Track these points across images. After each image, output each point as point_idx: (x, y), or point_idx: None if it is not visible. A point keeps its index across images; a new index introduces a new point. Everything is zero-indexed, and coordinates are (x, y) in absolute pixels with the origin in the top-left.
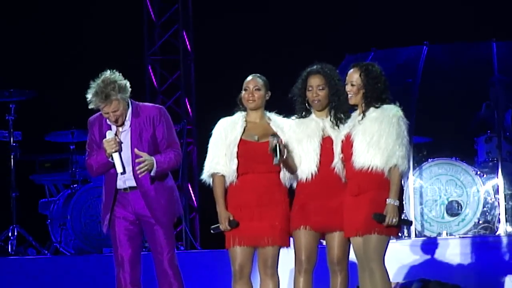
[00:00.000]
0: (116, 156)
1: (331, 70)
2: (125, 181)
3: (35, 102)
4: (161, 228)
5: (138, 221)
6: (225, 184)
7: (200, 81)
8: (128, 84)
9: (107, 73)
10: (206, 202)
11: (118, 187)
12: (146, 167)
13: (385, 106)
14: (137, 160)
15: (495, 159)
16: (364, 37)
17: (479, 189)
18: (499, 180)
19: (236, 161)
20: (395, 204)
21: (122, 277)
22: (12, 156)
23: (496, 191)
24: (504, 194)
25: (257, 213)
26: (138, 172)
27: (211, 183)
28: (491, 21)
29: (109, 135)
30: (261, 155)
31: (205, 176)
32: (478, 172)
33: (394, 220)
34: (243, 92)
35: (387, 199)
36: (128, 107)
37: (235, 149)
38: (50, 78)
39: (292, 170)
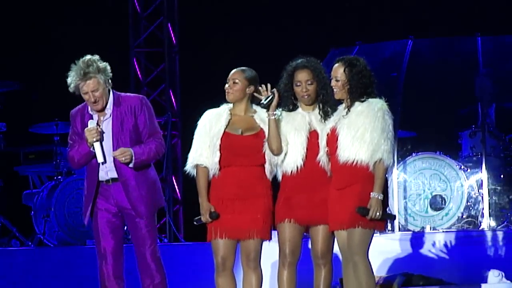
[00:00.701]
0: (97, 145)
1: (317, 64)
2: (107, 172)
3: (19, 93)
4: (143, 220)
5: (121, 213)
6: (208, 176)
7: (184, 73)
8: (108, 67)
9: (88, 56)
10: (190, 195)
11: (100, 179)
12: (123, 159)
13: (370, 100)
14: (113, 153)
15: (479, 153)
16: (349, 31)
17: (463, 183)
18: (483, 174)
19: (218, 153)
20: (379, 198)
21: (105, 269)
22: None
23: (480, 186)
24: (488, 189)
25: (239, 206)
26: (115, 157)
27: (195, 175)
28: (476, 15)
29: (91, 124)
30: (244, 148)
31: (188, 167)
32: (462, 167)
33: (378, 214)
34: (226, 84)
35: (371, 193)
36: (109, 95)
37: (218, 142)
38: (34, 70)
39: (274, 135)
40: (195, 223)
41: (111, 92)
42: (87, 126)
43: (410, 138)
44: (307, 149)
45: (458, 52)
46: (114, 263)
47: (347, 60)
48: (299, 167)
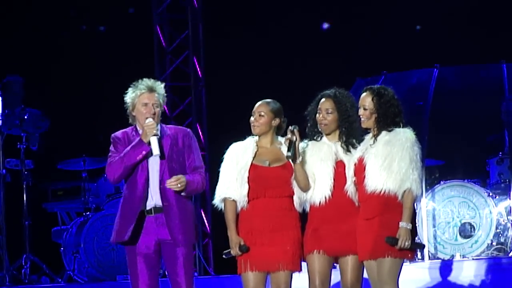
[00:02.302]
0: (154, 139)
1: (344, 96)
2: (151, 200)
3: (47, 130)
4: (181, 249)
5: (159, 247)
6: (236, 209)
7: (211, 106)
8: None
9: None
10: (219, 228)
11: (144, 208)
12: (178, 185)
13: (397, 129)
14: (168, 182)
15: (507, 180)
16: (375, 61)
17: (492, 210)
18: (511, 201)
19: (247, 185)
20: (408, 227)
21: None
22: (24, 185)
23: (509, 213)
24: None
25: (269, 238)
26: (168, 186)
27: (223, 208)
28: (501, 42)
29: (149, 120)
30: (272, 179)
31: (216, 201)
32: (491, 194)
33: (406, 243)
34: (251, 117)
35: (400, 222)
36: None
37: (246, 174)
38: (62, 107)
39: (301, 178)
40: (224, 256)
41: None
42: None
43: (437, 167)
44: (334, 179)
45: (484, 79)
46: None
47: (375, 89)
48: (327, 198)
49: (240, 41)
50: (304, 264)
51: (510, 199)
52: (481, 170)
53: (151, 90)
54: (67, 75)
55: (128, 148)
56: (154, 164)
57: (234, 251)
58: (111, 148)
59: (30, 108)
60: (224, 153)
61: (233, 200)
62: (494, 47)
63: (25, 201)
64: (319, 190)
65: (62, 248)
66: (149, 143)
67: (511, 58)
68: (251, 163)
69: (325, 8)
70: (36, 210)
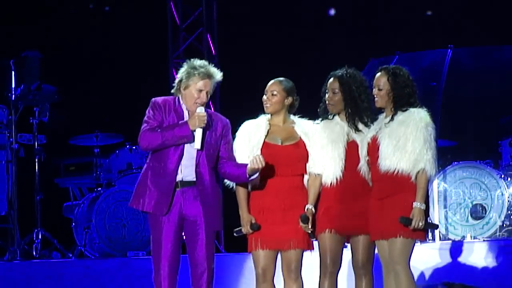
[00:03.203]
0: (199, 131)
1: (351, 76)
2: (179, 174)
3: (59, 105)
4: (207, 229)
5: (182, 222)
6: (248, 187)
7: (224, 84)
8: None
9: None
10: (229, 205)
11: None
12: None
13: (412, 109)
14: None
15: None
16: (388, 41)
17: (504, 192)
18: None
19: None
20: (422, 207)
21: (161, 280)
22: (36, 160)
23: None
24: None
25: (280, 217)
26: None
27: (234, 186)
28: None
29: (201, 109)
30: (284, 158)
31: None
32: (502, 176)
33: (420, 223)
34: (264, 95)
35: (413, 203)
36: None
37: (259, 152)
38: (74, 82)
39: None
40: (235, 234)
41: None
42: (183, 118)
43: (450, 148)
44: (345, 160)
45: (497, 61)
46: (169, 277)
47: (390, 69)
48: (338, 179)
49: (253, 19)
50: (315, 243)
51: None
52: (493, 151)
53: (210, 77)
54: (83, 53)
55: (172, 127)
56: (192, 144)
57: (245, 229)
58: (149, 112)
59: (46, 84)
60: (236, 131)
61: None
62: (508, 28)
63: (37, 176)
64: (330, 172)
65: (73, 224)
66: (193, 131)
67: None
68: (264, 141)
69: None
70: (48, 185)
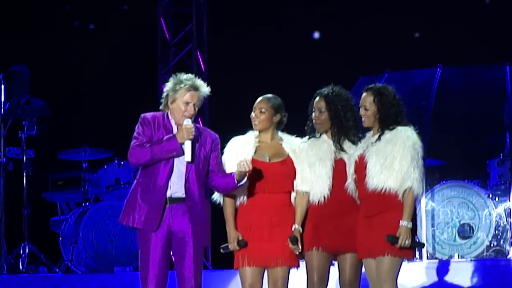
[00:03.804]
0: (188, 144)
1: (337, 95)
2: (173, 192)
3: (48, 119)
4: (195, 245)
5: (170, 237)
6: (235, 204)
7: (213, 100)
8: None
9: None
10: (216, 222)
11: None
12: (245, 169)
13: (399, 128)
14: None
15: (507, 182)
16: (378, 59)
17: (491, 212)
18: (511, 203)
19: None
20: (408, 226)
21: None
22: (24, 173)
23: (508, 214)
24: None
25: (267, 234)
26: (242, 166)
27: (221, 202)
28: (504, 44)
29: (188, 122)
30: (271, 175)
31: (216, 195)
32: (490, 195)
33: (407, 242)
34: (252, 112)
35: (400, 221)
36: None
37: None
38: (64, 97)
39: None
40: (222, 251)
41: None
42: (170, 133)
43: (438, 167)
44: (333, 178)
45: (486, 80)
46: None
47: (376, 89)
48: (326, 197)
49: (243, 35)
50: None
51: (510, 201)
52: (481, 171)
53: (196, 89)
54: (72, 67)
55: (161, 141)
56: (181, 159)
57: (232, 245)
58: (138, 128)
59: (35, 99)
60: (224, 146)
61: (232, 195)
62: (498, 48)
63: (25, 190)
64: (318, 190)
65: (60, 238)
66: (182, 144)
67: None
68: (252, 158)
69: (330, 7)
70: (35, 199)
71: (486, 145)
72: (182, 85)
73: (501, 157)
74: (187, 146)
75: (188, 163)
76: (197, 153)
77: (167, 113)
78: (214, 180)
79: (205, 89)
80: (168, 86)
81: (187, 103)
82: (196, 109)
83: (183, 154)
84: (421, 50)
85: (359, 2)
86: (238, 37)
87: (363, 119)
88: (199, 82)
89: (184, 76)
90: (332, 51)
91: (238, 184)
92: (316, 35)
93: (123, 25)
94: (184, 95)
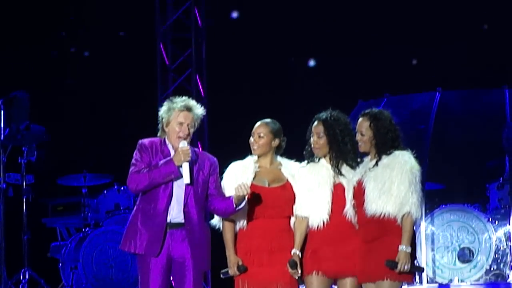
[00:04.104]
0: (186, 166)
1: (335, 119)
2: (172, 217)
3: (47, 145)
4: (195, 271)
5: (170, 263)
6: (235, 229)
7: (212, 125)
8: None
9: None
10: (216, 247)
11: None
12: (243, 193)
13: (396, 152)
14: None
15: (506, 206)
16: (377, 83)
17: (491, 236)
18: (511, 227)
19: (246, 206)
20: (407, 250)
21: None
22: (24, 199)
23: (508, 238)
24: None
25: (267, 259)
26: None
27: (221, 228)
28: (504, 67)
29: (184, 144)
30: (271, 200)
31: (215, 220)
32: (490, 219)
33: (406, 266)
34: (251, 137)
35: (399, 246)
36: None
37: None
38: (63, 122)
39: None
40: (222, 276)
41: None
42: (168, 156)
43: (438, 190)
44: (332, 203)
45: (486, 104)
46: None
47: (372, 114)
48: (325, 222)
49: (243, 61)
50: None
51: (509, 224)
52: (481, 195)
53: (189, 109)
54: (71, 92)
55: (158, 165)
56: (180, 183)
57: (232, 271)
58: (136, 155)
59: (35, 124)
60: (224, 171)
61: (232, 220)
62: (497, 72)
63: (24, 216)
64: (317, 215)
65: (60, 264)
66: (180, 166)
67: None
68: (251, 183)
69: (329, 32)
70: (35, 225)
71: (485, 169)
72: (175, 106)
73: (500, 181)
74: (185, 168)
75: (187, 185)
76: (196, 177)
77: (164, 138)
78: (214, 203)
79: (198, 110)
80: (162, 110)
81: (181, 124)
82: (191, 130)
83: (181, 177)
84: (420, 74)
85: (359, 27)
86: (237, 62)
87: (359, 144)
88: (192, 103)
89: (177, 99)
90: (332, 75)
91: (237, 208)
92: (312, 63)
93: (120, 51)
94: (177, 116)
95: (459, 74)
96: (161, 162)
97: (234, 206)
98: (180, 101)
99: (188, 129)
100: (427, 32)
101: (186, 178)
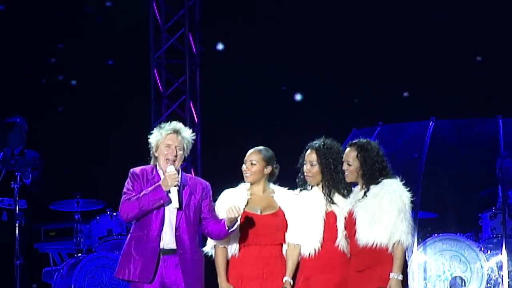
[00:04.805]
0: (174, 190)
1: (328, 148)
2: (165, 243)
3: (40, 170)
4: None
5: None
6: (227, 255)
7: (205, 152)
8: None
9: None
10: (208, 274)
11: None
12: (235, 215)
13: (385, 181)
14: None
15: (499, 235)
16: (371, 112)
17: (483, 265)
18: (503, 256)
19: (238, 233)
20: (399, 278)
21: None
22: (17, 224)
23: (500, 268)
24: (508, 271)
25: (259, 286)
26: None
27: (213, 255)
28: (497, 97)
29: (171, 169)
30: (263, 227)
31: (208, 247)
32: (482, 248)
33: None
34: (243, 164)
35: (390, 274)
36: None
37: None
38: (56, 148)
39: None
40: None
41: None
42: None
43: (430, 219)
44: (324, 231)
45: (479, 134)
46: None
47: (360, 144)
48: (317, 250)
49: (237, 87)
50: None
51: (501, 254)
52: (474, 224)
53: (176, 132)
54: (62, 119)
55: (147, 192)
56: (171, 208)
57: None
58: (127, 184)
59: (29, 150)
60: (216, 199)
61: (224, 247)
62: (491, 101)
63: (17, 241)
64: (309, 243)
65: None
66: (168, 191)
67: (507, 113)
68: (243, 210)
69: (323, 60)
70: (28, 250)
71: (478, 198)
72: (162, 131)
73: (493, 210)
74: (174, 193)
75: (177, 210)
76: (187, 202)
77: (156, 166)
78: (207, 227)
79: (186, 133)
80: (152, 137)
81: (169, 146)
82: (180, 152)
83: (171, 202)
84: (414, 103)
85: (353, 54)
86: (231, 89)
87: (346, 174)
88: (180, 126)
89: (165, 124)
90: (325, 104)
91: (230, 230)
92: (298, 97)
93: (116, 77)
94: (165, 138)
95: (453, 104)
96: (150, 188)
97: (227, 228)
98: (168, 125)
99: (176, 151)
100: (421, 63)
101: (175, 203)
